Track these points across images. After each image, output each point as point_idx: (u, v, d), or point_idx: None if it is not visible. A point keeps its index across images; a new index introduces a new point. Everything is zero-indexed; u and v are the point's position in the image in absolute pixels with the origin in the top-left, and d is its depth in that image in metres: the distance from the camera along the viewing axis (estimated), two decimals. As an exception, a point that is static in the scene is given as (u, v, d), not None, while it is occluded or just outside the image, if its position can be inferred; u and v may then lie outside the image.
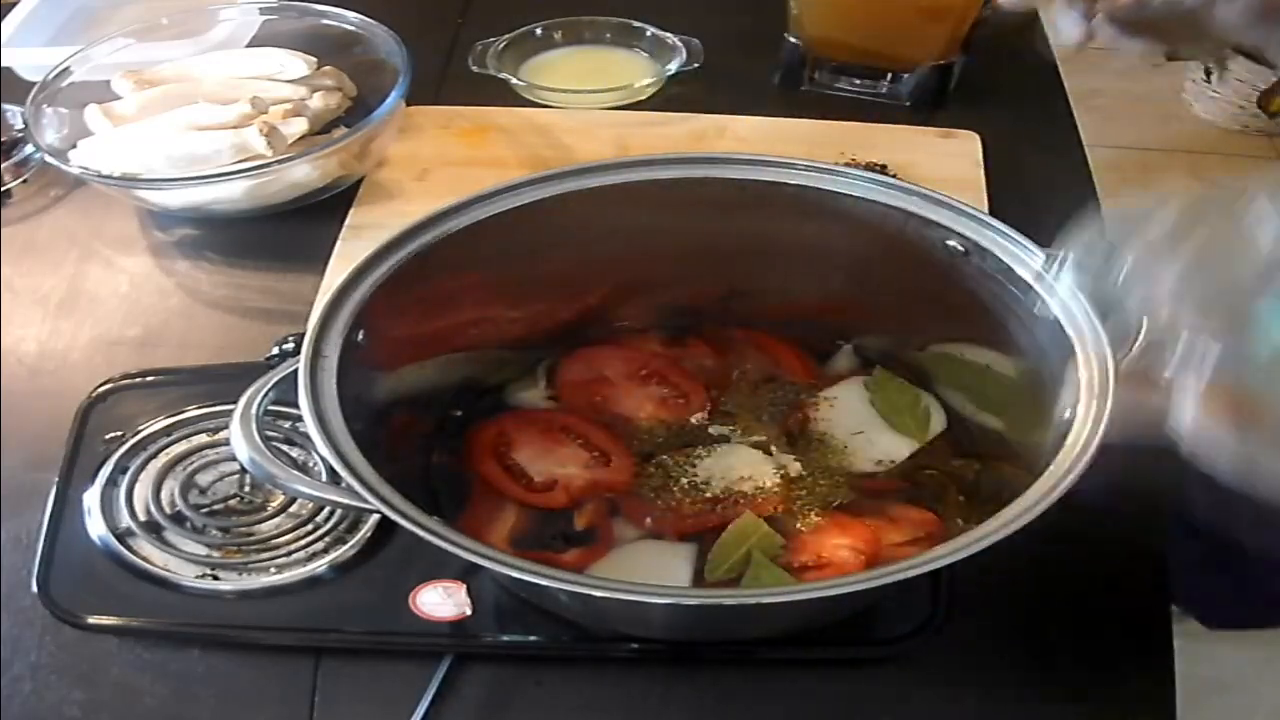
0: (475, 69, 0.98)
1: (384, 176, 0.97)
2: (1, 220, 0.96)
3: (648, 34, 1.10)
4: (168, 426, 0.75)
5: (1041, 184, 0.96)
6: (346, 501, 0.56)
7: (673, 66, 1.05)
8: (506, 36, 1.09)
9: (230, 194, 0.90)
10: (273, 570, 0.68)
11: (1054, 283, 0.58)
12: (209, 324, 0.87)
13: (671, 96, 1.03)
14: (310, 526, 0.70)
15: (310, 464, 0.72)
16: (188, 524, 0.70)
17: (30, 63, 1.05)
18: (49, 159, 0.90)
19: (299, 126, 0.91)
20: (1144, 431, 0.49)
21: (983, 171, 0.96)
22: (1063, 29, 0.69)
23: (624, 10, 1.19)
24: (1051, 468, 0.55)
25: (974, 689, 0.63)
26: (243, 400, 0.59)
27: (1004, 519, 0.52)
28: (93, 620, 0.65)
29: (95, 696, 0.63)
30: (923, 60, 1.02)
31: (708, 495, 0.69)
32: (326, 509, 0.70)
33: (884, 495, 0.69)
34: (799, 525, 0.67)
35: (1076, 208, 0.93)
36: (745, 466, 0.70)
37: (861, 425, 0.73)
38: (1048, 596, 0.67)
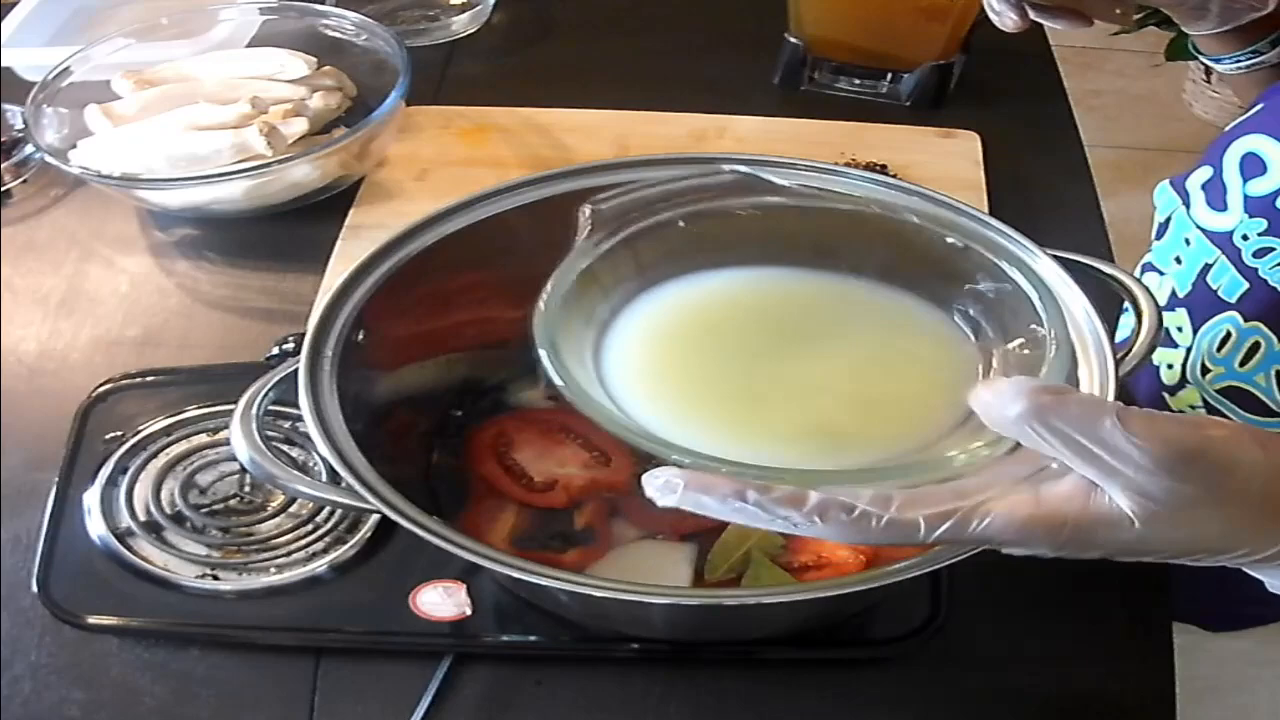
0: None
1: (384, 176, 0.97)
2: (1, 220, 0.96)
3: None
4: (168, 426, 0.75)
5: (1041, 184, 0.96)
6: (346, 501, 0.56)
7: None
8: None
9: (230, 194, 0.90)
10: (273, 570, 0.68)
11: None
12: (209, 324, 0.87)
13: (672, 97, 1.03)
14: (310, 526, 0.70)
15: (310, 464, 0.72)
16: (188, 524, 0.70)
17: (30, 63, 1.05)
18: (49, 159, 0.90)
19: (299, 126, 0.91)
20: None
21: (983, 171, 0.96)
22: (999, 22, 0.72)
23: (623, 8, 1.19)
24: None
25: (974, 689, 0.63)
26: (243, 400, 0.59)
27: (1004, 519, 0.52)
28: (93, 620, 0.66)
29: (95, 696, 0.63)
30: (923, 60, 1.02)
31: (708, 495, 0.69)
32: (326, 509, 0.70)
33: (884, 495, 0.69)
34: (799, 525, 0.67)
35: (1076, 208, 0.93)
36: (745, 466, 0.70)
37: (861, 425, 0.73)
38: (1047, 597, 0.67)
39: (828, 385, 0.56)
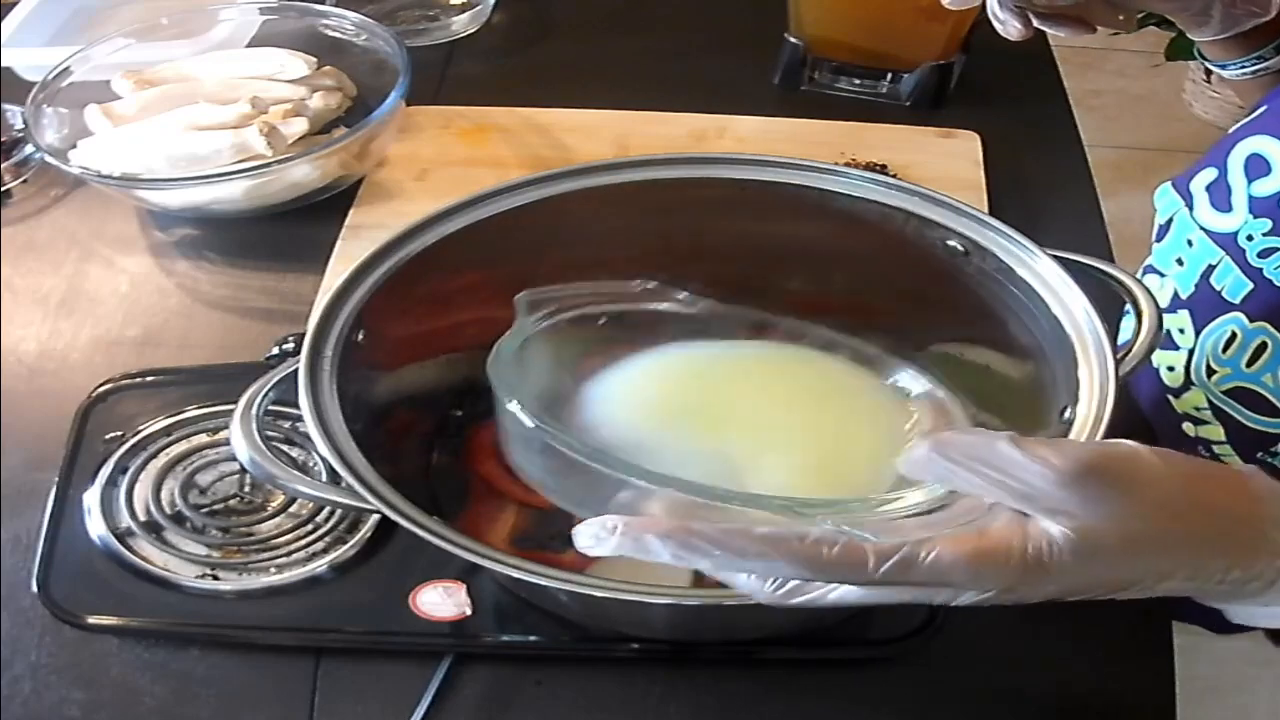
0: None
1: (384, 176, 0.97)
2: (1, 220, 0.96)
3: None
4: (168, 426, 0.75)
5: (1041, 184, 0.96)
6: (346, 501, 0.56)
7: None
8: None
9: (230, 194, 0.90)
10: (273, 570, 0.68)
11: None
12: (209, 324, 0.87)
13: (672, 97, 1.03)
14: (310, 526, 0.70)
15: (310, 464, 0.72)
16: (188, 524, 0.70)
17: (30, 63, 1.05)
18: (49, 159, 0.90)
19: (299, 126, 0.91)
20: None
21: (983, 171, 0.96)
22: (1003, 30, 0.73)
23: (623, 8, 1.19)
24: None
25: (974, 689, 0.63)
26: (243, 400, 0.59)
27: (1004, 519, 0.52)
28: (93, 620, 0.65)
29: (95, 696, 0.63)
30: (923, 60, 1.02)
31: (708, 495, 0.69)
32: (326, 509, 0.70)
33: (884, 495, 0.69)
34: (799, 525, 0.67)
35: (1076, 208, 0.93)
36: (745, 466, 0.70)
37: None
38: (1048, 596, 0.67)
39: (760, 453, 0.57)
